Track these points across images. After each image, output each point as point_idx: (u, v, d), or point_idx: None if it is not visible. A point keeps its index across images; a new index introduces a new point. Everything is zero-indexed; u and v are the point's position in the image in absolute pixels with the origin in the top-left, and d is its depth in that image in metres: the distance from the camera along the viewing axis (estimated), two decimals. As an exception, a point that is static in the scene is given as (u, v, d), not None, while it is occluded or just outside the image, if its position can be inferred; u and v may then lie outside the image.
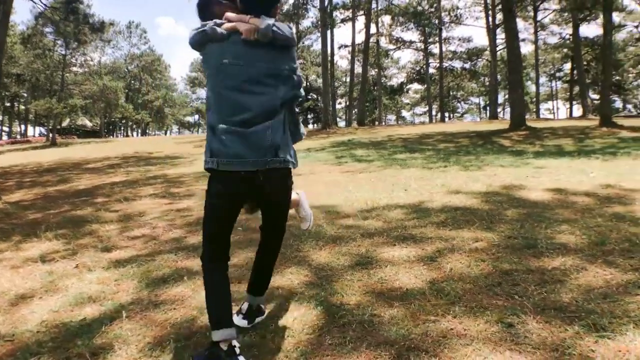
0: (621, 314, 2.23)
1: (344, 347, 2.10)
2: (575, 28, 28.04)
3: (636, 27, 33.02)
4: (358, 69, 34.98)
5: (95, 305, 2.82)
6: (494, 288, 2.71)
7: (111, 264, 3.64)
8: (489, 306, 2.45)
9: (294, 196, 2.61)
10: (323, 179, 7.75)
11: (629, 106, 44.10)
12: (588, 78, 36.22)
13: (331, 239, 3.96)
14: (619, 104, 45.78)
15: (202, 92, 68.26)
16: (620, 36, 37.38)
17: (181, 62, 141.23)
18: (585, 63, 35.68)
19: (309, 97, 52.68)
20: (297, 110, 2.18)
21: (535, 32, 36.38)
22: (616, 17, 34.32)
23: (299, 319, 2.44)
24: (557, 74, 47.04)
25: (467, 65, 41.98)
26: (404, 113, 59.61)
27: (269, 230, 2.32)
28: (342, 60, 64.38)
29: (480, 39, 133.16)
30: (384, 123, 41.51)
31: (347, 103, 51.42)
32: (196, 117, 66.04)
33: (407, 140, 14.45)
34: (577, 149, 11.97)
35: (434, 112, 44.53)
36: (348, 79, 53.48)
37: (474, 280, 2.85)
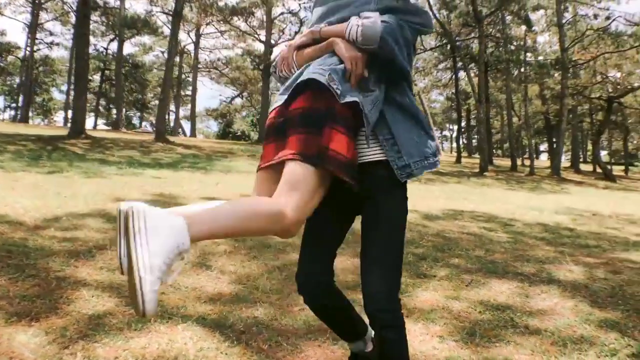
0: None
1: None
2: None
3: (162, 52, 37.35)
4: None
5: None
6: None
7: None
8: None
9: None
10: None
11: (146, 123, 48.59)
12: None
13: (74, 254, 3.15)
14: (136, 120, 49.87)
15: None
16: (148, 58, 41.29)
17: None
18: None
19: None
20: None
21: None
22: (147, 40, 38.06)
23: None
24: (90, 85, 46.75)
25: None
26: None
27: None
28: None
29: (15, 35, 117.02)
30: None
31: None
32: None
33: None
34: (152, 161, 12.97)
35: None
36: None
37: (274, 276, 3.15)
